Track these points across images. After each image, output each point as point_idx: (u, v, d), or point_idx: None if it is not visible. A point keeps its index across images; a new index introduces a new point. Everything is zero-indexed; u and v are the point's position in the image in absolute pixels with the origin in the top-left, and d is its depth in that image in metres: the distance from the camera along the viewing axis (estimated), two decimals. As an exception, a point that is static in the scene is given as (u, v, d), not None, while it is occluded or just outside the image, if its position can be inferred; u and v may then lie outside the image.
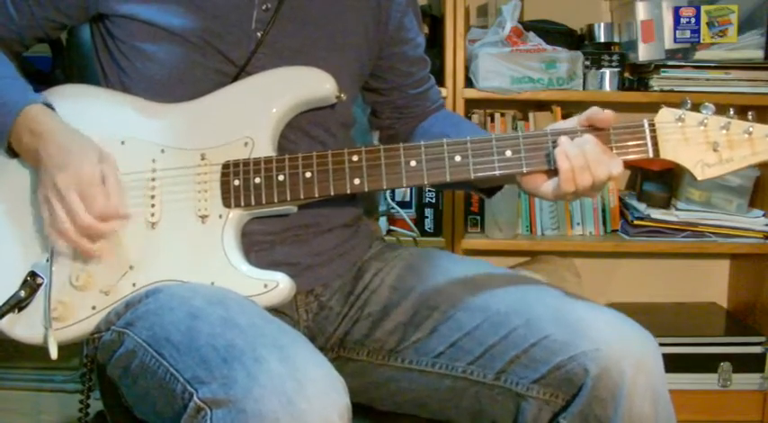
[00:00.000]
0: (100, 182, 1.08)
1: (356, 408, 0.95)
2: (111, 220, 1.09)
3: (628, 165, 1.09)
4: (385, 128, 1.42)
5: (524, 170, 1.08)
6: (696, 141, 1.06)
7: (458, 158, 1.09)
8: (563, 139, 1.06)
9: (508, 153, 1.08)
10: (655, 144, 1.07)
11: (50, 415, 2.07)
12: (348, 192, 1.11)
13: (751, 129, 1.05)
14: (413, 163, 1.10)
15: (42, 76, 1.16)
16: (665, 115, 1.08)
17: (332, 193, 1.11)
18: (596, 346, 1.04)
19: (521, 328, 1.09)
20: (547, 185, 1.09)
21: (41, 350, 1.10)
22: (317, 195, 1.11)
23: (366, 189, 1.10)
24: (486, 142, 1.09)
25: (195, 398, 0.91)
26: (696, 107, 1.07)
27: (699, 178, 1.07)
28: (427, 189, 2.16)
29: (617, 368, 1.03)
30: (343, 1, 1.24)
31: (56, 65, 1.74)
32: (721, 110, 1.07)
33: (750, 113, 1.06)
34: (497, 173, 1.09)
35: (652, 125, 1.08)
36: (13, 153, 1.16)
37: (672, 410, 1.07)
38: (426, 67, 1.40)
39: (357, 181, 1.10)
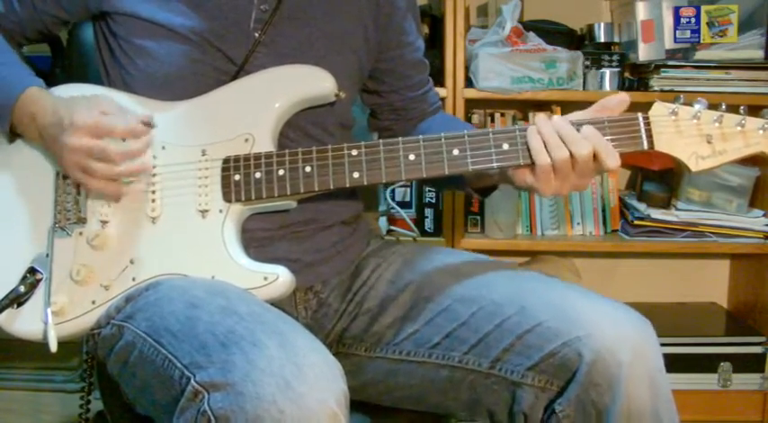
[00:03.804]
0: (101, 114, 1.09)
1: (354, 403, 0.95)
2: (139, 135, 1.11)
3: (626, 161, 1.09)
4: (383, 129, 1.43)
5: (521, 162, 1.08)
6: (690, 134, 1.08)
7: (456, 152, 1.10)
8: (539, 115, 1.08)
9: (505, 146, 1.09)
10: (649, 136, 1.09)
11: (50, 415, 2.07)
12: (347, 185, 1.11)
13: (743, 121, 1.06)
14: (411, 157, 1.11)
15: (42, 76, 1.18)
16: (659, 109, 1.09)
17: (331, 187, 1.11)
18: (590, 331, 1.04)
19: (515, 315, 1.10)
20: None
21: (41, 349, 1.10)
22: (316, 189, 1.11)
23: (365, 182, 1.11)
24: (483, 135, 1.10)
25: (193, 381, 0.91)
26: (689, 103, 1.09)
27: (693, 170, 1.08)
28: (427, 189, 2.16)
29: (612, 354, 1.03)
30: (342, 3, 1.25)
31: (56, 64, 1.75)
32: (713, 105, 1.09)
33: (742, 108, 1.07)
34: (495, 165, 1.09)
35: (646, 118, 1.09)
36: (13, 136, 1.17)
37: (671, 397, 1.06)
38: (425, 71, 1.41)
39: (356, 175, 1.11)
